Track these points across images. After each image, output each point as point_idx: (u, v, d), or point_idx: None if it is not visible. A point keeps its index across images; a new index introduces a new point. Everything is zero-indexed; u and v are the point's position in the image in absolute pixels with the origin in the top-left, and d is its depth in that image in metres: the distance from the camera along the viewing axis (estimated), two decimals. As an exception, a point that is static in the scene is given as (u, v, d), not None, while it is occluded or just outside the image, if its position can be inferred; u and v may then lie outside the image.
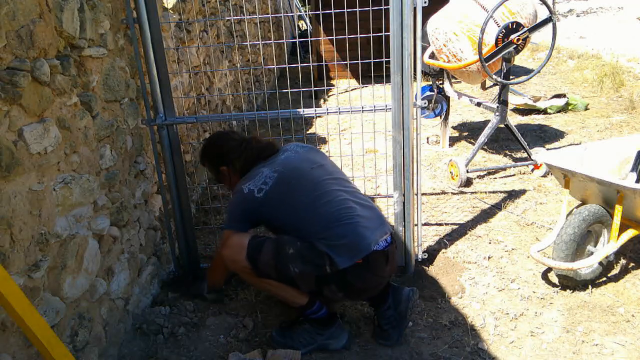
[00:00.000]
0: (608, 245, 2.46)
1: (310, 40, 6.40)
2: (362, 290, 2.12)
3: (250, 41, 6.09)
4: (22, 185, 1.55)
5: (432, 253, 2.89)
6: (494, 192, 3.69)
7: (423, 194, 3.60)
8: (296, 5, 10.10)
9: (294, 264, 2.01)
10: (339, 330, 2.19)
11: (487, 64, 3.55)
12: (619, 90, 6.10)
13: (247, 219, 2.13)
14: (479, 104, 4.30)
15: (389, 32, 2.37)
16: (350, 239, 2.01)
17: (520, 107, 5.68)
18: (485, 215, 3.35)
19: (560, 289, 2.52)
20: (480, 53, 3.48)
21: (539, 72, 3.71)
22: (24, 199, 1.55)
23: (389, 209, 3.37)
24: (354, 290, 2.08)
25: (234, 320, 2.36)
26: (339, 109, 2.48)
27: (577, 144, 4.44)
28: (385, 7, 2.39)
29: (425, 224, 3.22)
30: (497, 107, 3.89)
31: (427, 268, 2.75)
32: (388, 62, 2.42)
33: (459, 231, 3.14)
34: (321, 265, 1.99)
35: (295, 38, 10.47)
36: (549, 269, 2.63)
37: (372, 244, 2.02)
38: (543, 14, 3.63)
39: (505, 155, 4.44)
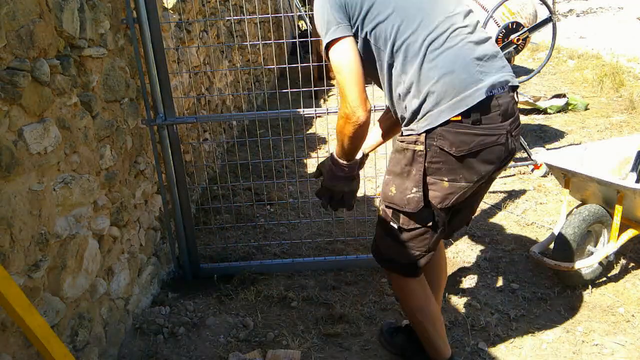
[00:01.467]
0: (608, 245, 2.46)
1: (310, 40, 6.39)
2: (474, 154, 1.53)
3: (250, 41, 6.08)
4: (22, 185, 1.55)
5: (432, 253, 2.89)
6: (494, 192, 3.69)
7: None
8: (296, 5, 10.09)
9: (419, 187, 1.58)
10: None
11: (487, 64, 3.55)
12: (619, 90, 6.09)
13: (342, 11, 1.57)
14: (479, 104, 4.29)
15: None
16: (456, 73, 1.49)
17: (521, 107, 5.69)
18: (485, 215, 3.35)
19: (561, 289, 2.52)
20: (480, 53, 3.48)
21: (539, 72, 3.71)
22: (24, 199, 1.55)
23: (389, 209, 3.38)
24: (463, 159, 1.53)
25: (234, 320, 2.36)
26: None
27: (577, 144, 4.44)
28: (385, 7, 2.39)
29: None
30: (497, 107, 3.88)
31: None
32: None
33: (459, 231, 3.14)
34: (414, 153, 1.56)
35: (295, 38, 10.47)
36: (549, 269, 2.63)
37: (484, 89, 1.49)
38: (543, 14, 3.63)
39: (505, 155, 4.43)
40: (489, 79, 1.51)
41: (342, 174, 1.76)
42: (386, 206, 1.70)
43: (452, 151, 1.52)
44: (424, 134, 1.54)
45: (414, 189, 1.60)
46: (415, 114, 1.55)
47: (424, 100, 1.52)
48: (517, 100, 1.61)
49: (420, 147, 1.55)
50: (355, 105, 1.56)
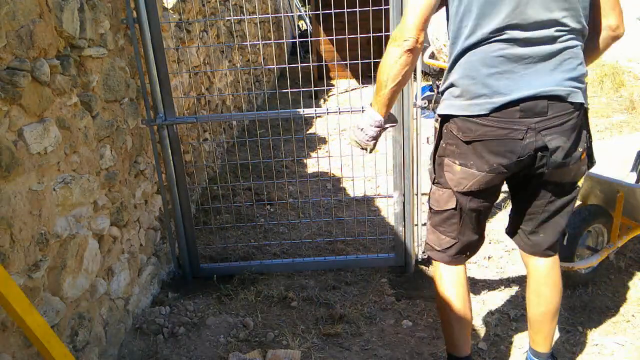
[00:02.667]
0: (608, 245, 2.46)
1: (310, 40, 6.40)
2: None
3: (250, 41, 6.08)
4: (22, 185, 1.55)
5: (432, 253, 2.89)
6: (494, 192, 3.69)
7: (423, 194, 3.60)
8: (296, 5, 10.09)
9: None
10: None
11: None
12: (619, 90, 6.10)
13: None
14: (479, 104, 4.30)
15: (389, 32, 2.37)
16: (475, 80, 1.53)
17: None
18: (485, 215, 3.34)
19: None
20: (480, 53, 3.47)
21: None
22: (24, 199, 1.55)
23: (389, 209, 3.37)
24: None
25: (234, 320, 2.36)
26: (339, 109, 2.49)
27: (577, 144, 4.43)
28: (385, 7, 2.40)
29: (425, 224, 3.21)
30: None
31: (427, 268, 2.75)
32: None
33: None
34: (435, 129, 1.72)
35: (295, 38, 10.47)
36: (549, 269, 2.63)
37: (499, 103, 1.49)
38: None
39: (505, 155, 4.43)
40: (518, 94, 1.47)
41: (366, 129, 1.71)
42: None
43: (459, 135, 1.59)
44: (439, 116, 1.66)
45: (430, 161, 1.76)
46: (442, 93, 1.66)
47: (449, 87, 1.61)
48: (560, 105, 1.50)
49: (436, 125, 1.70)
50: (406, 28, 1.51)
